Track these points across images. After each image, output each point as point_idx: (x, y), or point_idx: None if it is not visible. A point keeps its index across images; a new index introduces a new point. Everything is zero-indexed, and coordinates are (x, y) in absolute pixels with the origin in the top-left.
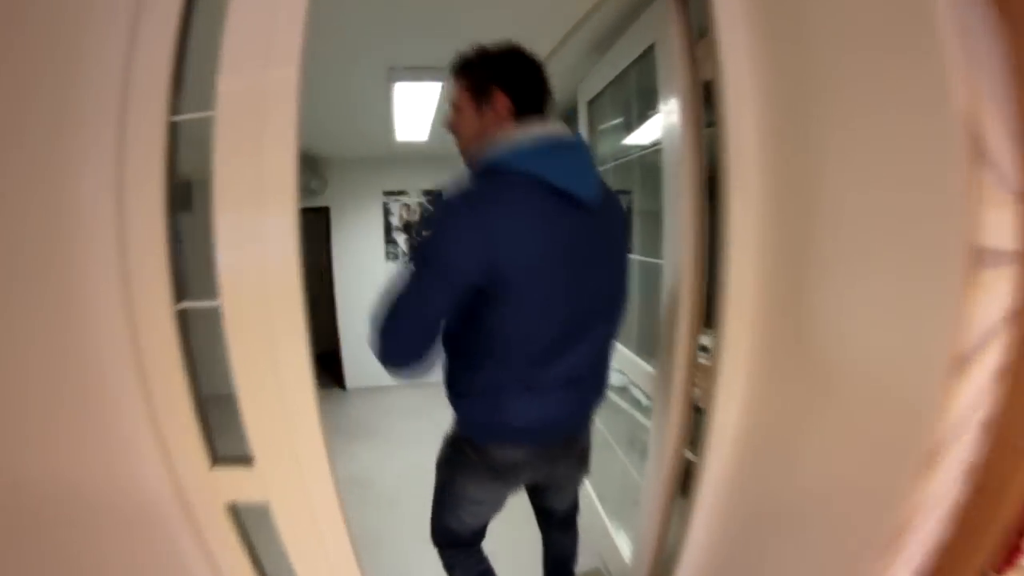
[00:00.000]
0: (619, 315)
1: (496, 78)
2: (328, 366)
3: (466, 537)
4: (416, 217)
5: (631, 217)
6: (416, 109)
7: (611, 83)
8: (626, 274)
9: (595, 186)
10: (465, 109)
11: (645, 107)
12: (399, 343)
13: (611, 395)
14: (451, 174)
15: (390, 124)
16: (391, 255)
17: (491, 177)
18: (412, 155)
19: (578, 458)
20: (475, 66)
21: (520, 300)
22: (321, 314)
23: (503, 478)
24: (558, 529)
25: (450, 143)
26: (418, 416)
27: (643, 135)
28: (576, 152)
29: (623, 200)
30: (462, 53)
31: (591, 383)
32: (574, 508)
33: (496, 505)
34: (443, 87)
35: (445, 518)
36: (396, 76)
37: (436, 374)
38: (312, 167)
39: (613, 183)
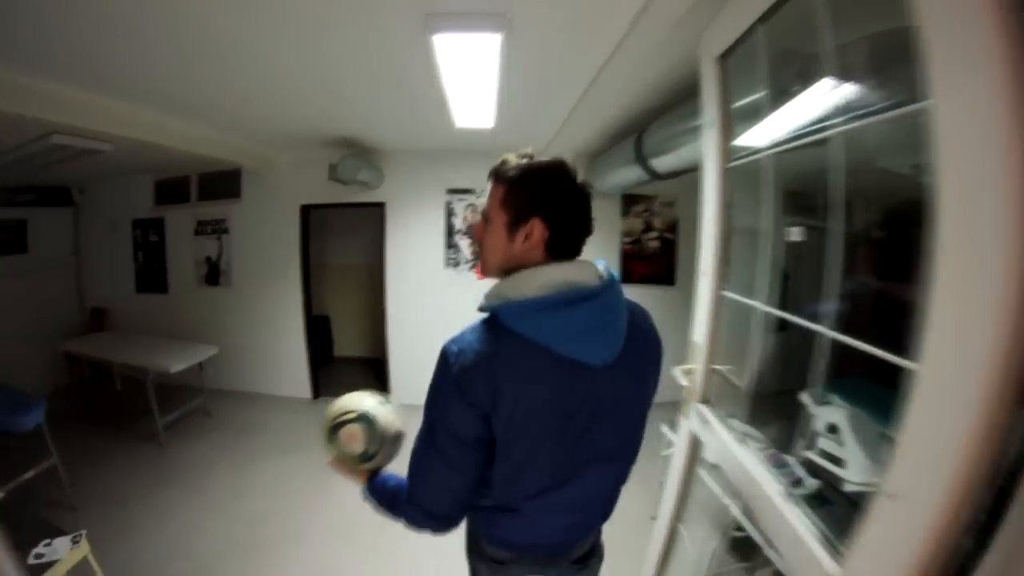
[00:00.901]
0: (621, 466)
1: (540, 208)
2: (375, 374)
3: None
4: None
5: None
6: (466, 74)
7: (765, 18)
8: (638, 423)
9: (609, 346)
10: (496, 227)
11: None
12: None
13: None
14: None
15: (442, 98)
16: (451, 261)
17: (494, 326)
18: (478, 148)
19: (578, 567)
20: (519, 185)
21: (507, 454)
22: (366, 317)
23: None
24: None
25: (523, 139)
26: None
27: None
28: (597, 305)
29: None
30: (507, 161)
31: (590, 514)
32: None
33: None
34: (502, 43)
35: None
36: (435, 25)
37: None
38: (364, 156)
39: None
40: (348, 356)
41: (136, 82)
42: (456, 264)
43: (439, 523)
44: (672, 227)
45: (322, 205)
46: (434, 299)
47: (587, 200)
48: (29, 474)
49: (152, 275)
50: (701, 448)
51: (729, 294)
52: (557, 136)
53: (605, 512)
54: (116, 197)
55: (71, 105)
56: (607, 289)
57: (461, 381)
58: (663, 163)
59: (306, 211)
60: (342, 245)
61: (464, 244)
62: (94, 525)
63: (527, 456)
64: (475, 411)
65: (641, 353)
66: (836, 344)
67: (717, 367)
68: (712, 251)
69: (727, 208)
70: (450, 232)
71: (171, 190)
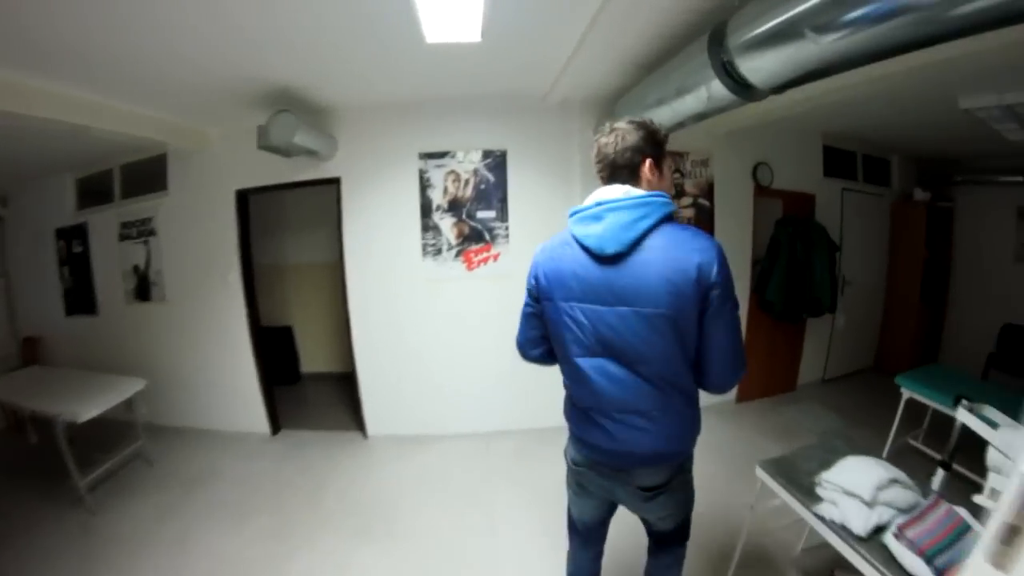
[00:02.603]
0: (640, 359)
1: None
2: (351, 393)
3: (576, 528)
4: (471, 190)
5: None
6: None
7: None
8: (646, 320)
9: (617, 244)
10: None
11: None
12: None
13: None
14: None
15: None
16: (430, 248)
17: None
18: (458, 95)
19: (636, 492)
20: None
21: (548, 320)
22: (336, 324)
23: (575, 475)
24: (649, 551)
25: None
26: (473, 499)
27: None
28: (621, 213)
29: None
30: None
31: (624, 420)
32: (663, 536)
33: (584, 503)
34: None
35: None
36: None
37: None
38: (312, 120)
39: None
40: (318, 372)
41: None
42: (437, 251)
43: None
44: (708, 191)
45: (261, 189)
46: (410, 299)
47: (599, 149)
48: None
49: (79, 294)
50: None
51: None
52: (571, 63)
53: (616, 408)
54: (38, 203)
55: None
56: (630, 204)
57: (535, 261)
58: (764, 66)
59: (243, 198)
60: (302, 240)
61: (447, 224)
62: None
63: (560, 325)
64: (531, 283)
65: (653, 258)
66: None
67: None
68: None
69: None
70: (427, 210)
71: (93, 189)
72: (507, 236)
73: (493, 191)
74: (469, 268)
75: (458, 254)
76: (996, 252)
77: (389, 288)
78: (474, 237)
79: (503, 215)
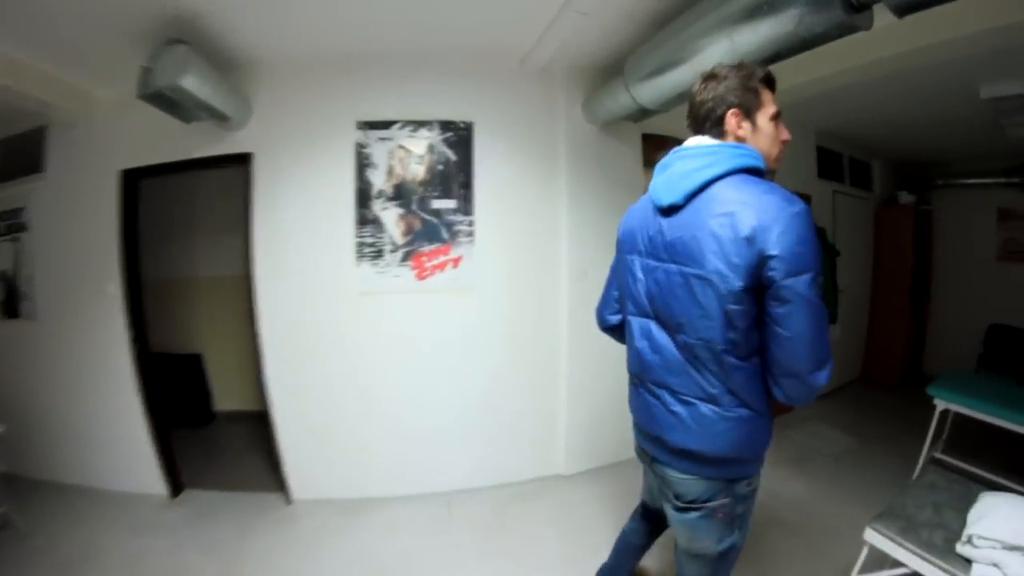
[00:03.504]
0: (678, 327)
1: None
2: (269, 437)
3: (643, 499)
4: (425, 172)
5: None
6: None
7: None
8: (686, 281)
9: (672, 195)
10: None
11: None
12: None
13: None
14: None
15: None
16: (368, 250)
17: None
18: (419, 50)
19: (671, 502)
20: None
21: (618, 276)
22: (247, 351)
23: (639, 455)
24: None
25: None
26: None
27: None
28: (686, 161)
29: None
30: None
31: (659, 396)
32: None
33: (647, 483)
34: None
35: None
36: None
37: None
38: (223, 76)
39: None
40: (236, 411)
41: None
42: (377, 254)
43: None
44: None
45: (154, 169)
46: (341, 318)
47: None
48: None
49: None
50: None
51: None
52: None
53: (653, 379)
54: None
55: None
56: (699, 152)
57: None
58: None
59: (131, 181)
60: (217, 247)
61: (391, 217)
62: None
63: (620, 279)
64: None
65: (706, 210)
66: None
67: None
68: None
69: None
70: (365, 197)
71: None
72: (471, 234)
73: (454, 174)
74: (420, 277)
75: (406, 257)
76: (978, 253)
77: (313, 304)
78: (427, 235)
79: (466, 206)
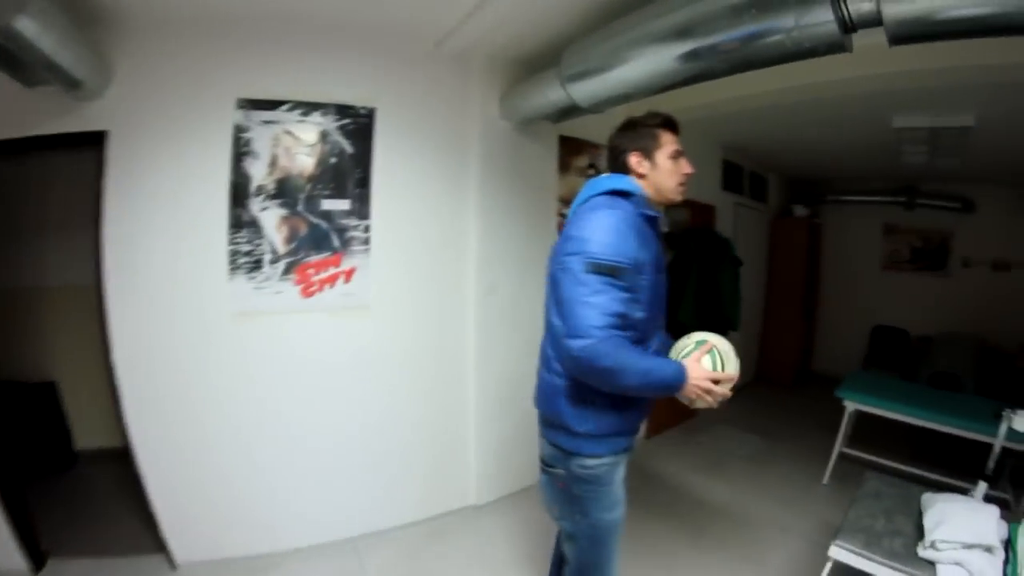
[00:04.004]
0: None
1: None
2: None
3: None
4: (315, 165)
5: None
6: None
7: None
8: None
9: (571, 214)
10: None
11: None
12: None
13: None
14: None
15: None
16: (243, 259)
17: None
18: (317, 19)
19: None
20: None
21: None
22: (90, 377)
23: None
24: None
25: None
26: None
27: None
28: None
29: None
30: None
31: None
32: (564, 544)
33: None
34: None
35: None
36: None
37: None
38: (76, 24)
39: None
40: (102, 448)
41: None
42: (255, 265)
43: None
44: None
45: None
46: (212, 342)
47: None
48: None
49: None
50: None
51: None
52: None
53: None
54: None
55: None
56: (590, 184)
57: None
58: None
59: None
60: (72, 252)
61: (271, 219)
62: None
63: None
64: None
65: (577, 223)
66: None
67: None
68: None
69: None
70: (241, 193)
71: None
72: (367, 241)
73: (350, 170)
74: (306, 293)
75: (289, 269)
76: (863, 263)
77: (177, 326)
78: (315, 242)
79: (363, 208)
